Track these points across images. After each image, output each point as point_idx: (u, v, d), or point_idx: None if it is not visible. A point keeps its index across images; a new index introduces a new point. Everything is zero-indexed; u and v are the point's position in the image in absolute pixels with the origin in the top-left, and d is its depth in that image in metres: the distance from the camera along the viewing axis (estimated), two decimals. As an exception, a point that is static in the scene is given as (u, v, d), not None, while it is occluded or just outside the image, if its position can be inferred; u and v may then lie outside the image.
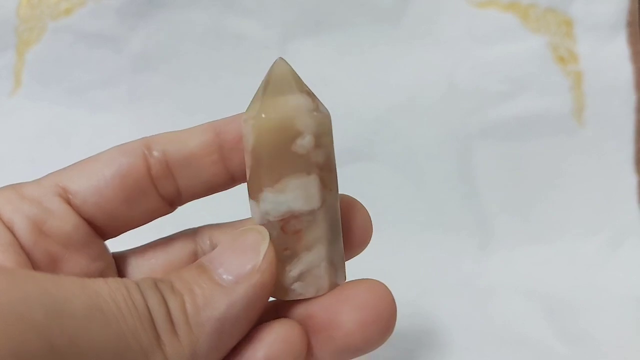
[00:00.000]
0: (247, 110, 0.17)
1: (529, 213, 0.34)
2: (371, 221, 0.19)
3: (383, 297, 0.17)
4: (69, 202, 0.18)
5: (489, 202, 0.34)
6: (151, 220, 0.19)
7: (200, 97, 0.35)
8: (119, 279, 0.14)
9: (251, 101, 0.17)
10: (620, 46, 0.33)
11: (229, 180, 0.19)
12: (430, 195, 0.34)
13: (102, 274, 0.18)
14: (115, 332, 0.13)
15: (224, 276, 0.15)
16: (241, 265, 0.15)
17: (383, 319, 0.17)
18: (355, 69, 0.35)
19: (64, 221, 0.18)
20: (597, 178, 0.34)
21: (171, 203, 0.19)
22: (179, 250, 0.20)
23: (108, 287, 0.14)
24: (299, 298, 0.17)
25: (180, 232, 0.21)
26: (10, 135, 0.35)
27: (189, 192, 0.19)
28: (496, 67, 0.34)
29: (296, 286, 0.17)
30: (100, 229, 0.19)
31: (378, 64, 0.35)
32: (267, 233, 0.16)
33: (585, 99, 0.34)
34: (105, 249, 0.19)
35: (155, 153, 0.18)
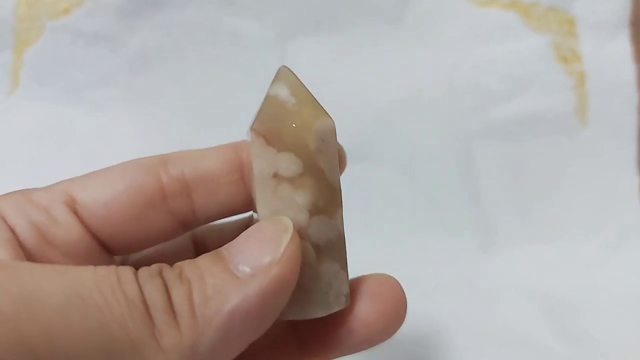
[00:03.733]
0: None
1: (530, 213, 0.34)
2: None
3: (394, 287, 0.17)
4: (75, 212, 0.17)
5: (490, 202, 0.34)
6: (163, 241, 0.19)
7: (198, 97, 0.35)
8: (111, 267, 0.13)
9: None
10: (623, 45, 0.33)
11: (247, 202, 0.18)
12: (431, 195, 0.34)
13: None
14: (98, 322, 0.12)
15: (240, 267, 0.14)
16: (260, 257, 0.14)
17: (397, 307, 0.17)
18: (355, 68, 0.35)
19: (68, 231, 0.17)
20: (598, 178, 0.34)
21: (185, 224, 0.18)
22: (177, 246, 0.19)
23: (94, 275, 0.13)
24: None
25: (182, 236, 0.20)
26: (8, 135, 0.35)
27: (205, 212, 0.18)
28: (497, 66, 0.34)
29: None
30: (107, 244, 0.18)
31: (378, 64, 0.35)
32: (291, 224, 0.15)
33: (588, 99, 0.33)
34: (110, 258, 0.18)
35: (171, 170, 0.18)
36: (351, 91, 0.34)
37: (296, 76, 0.16)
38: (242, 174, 0.18)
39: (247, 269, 0.14)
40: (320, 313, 0.16)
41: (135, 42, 0.35)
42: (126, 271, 0.13)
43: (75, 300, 0.12)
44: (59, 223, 0.17)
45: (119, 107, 0.35)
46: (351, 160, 0.34)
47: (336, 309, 0.16)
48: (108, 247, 0.18)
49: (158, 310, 0.13)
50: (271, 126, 0.15)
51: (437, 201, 0.34)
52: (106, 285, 0.13)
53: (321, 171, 0.16)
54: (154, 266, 0.14)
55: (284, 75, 0.16)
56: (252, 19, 0.34)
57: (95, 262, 0.16)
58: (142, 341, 0.13)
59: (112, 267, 0.13)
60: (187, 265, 0.14)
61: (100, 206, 0.17)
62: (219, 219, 0.19)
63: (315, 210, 0.16)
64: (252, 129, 0.16)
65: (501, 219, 0.34)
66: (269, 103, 0.16)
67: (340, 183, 0.16)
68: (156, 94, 0.35)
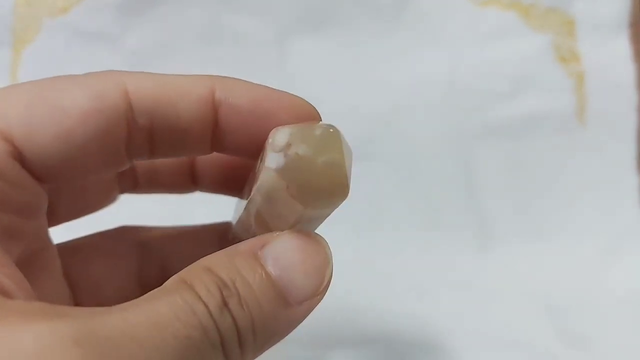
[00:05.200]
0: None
1: (530, 213, 0.34)
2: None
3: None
4: (21, 163, 0.15)
5: (490, 202, 0.34)
6: (102, 173, 0.17)
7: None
8: (178, 300, 0.13)
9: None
10: (622, 46, 0.33)
11: (207, 147, 0.17)
12: (431, 195, 0.34)
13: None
14: None
15: (293, 296, 0.14)
16: (309, 289, 0.15)
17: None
18: (355, 68, 0.34)
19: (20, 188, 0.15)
20: (598, 178, 0.34)
21: (132, 159, 0.17)
22: (209, 243, 0.20)
23: (179, 322, 0.13)
24: None
25: (211, 224, 0.20)
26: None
27: (161, 155, 0.17)
28: (497, 66, 0.34)
29: None
30: (44, 177, 0.15)
31: (378, 63, 0.35)
32: (331, 252, 0.15)
33: (587, 99, 0.33)
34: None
35: (140, 119, 0.15)
36: (351, 91, 0.34)
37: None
38: (214, 127, 0.16)
39: (297, 299, 0.15)
40: None
41: (133, 40, 0.35)
42: (198, 305, 0.13)
43: (168, 349, 0.12)
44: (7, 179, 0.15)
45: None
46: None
47: None
48: (36, 175, 0.15)
49: (232, 345, 0.14)
50: (306, 180, 0.14)
51: (437, 201, 0.34)
52: (193, 331, 0.13)
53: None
54: (214, 290, 0.14)
55: (340, 137, 0.14)
56: (252, 18, 0.34)
57: (25, 189, 0.15)
58: None
59: (179, 300, 0.13)
60: (243, 289, 0.14)
61: (55, 159, 0.15)
62: (173, 156, 0.17)
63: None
64: (283, 180, 0.14)
65: (501, 219, 0.34)
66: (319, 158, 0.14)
67: None
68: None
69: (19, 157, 0.15)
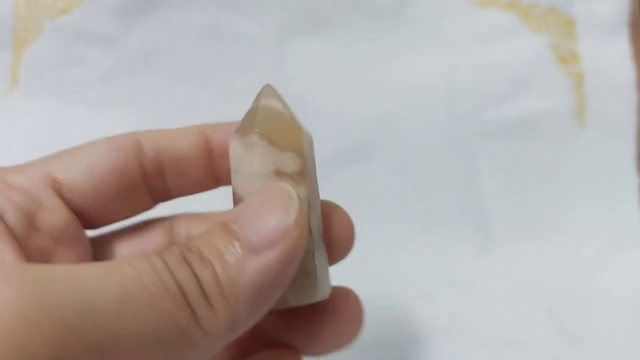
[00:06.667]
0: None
1: (530, 214, 0.34)
2: (353, 228, 0.19)
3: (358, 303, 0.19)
4: (61, 196, 0.18)
5: (490, 203, 0.34)
6: (135, 215, 0.20)
7: (197, 97, 0.35)
8: (143, 258, 0.14)
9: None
10: (622, 46, 0.33)
11: (215, 183, 0.20)
12: (430, 195, 0.34)
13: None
14: (151, 318, 0.13)
15: (255, 240, 0.14)
16: (272, 230, 0.14)
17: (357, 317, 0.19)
18: (355, 68, 0.35)
19: (56, 215, 0.17)
20: (598, 178, 0.34)
21: (156, 200, 0.20)
22: (155, 239, 0.20)
23: (135, 271, 0.13)
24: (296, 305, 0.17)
25: (154, 218, 0.21)
26: (7, 134, 0.35)
27: (176, 191, 0.20)
28: (496, 66, 0.34)
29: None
30: (88, 221, 0.19)
31: (377, 64, 0.35)
32: (294, 190, 0.16)
33: (587, 100, 0.33)
34: (87, 238, 0.19)
35: (148, 152, 0.19)
36: (351, 91, 0.34)
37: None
38: (210, 159, 0.19)
39: (262, 242, 0.14)
40: (318, 297, 0.17)
41: (134, 41, 0.35)
42: (156, 260, 0.14)
43: (129, 301, 0.13)
44: (46, 207, 0.17)
45: (119, 107, 0.35)
46: (351, 160, 0.34)
47: (327, 295, 0.18)
48: (88, 224, 0.19)
49: (194, 296, 0.14)
50: (273, 129, 0.17)
51: (436, 201, 0.34)
52: (148, 280, 0.13)
53: (311, 170, 0.17)
54: (175, 251, 0.14)
55: (273, 91, 0.18)
56: (252, 19, 0.34)
57: (78, 243, 0.18)
58: (189, 328, 0.13)
59: (143, 258, 0.14)
60: (203, 246, 0.14)
61: (86, 189, 0.18)
62: (189, 195, 0.20)
63: (309, 205, 0.17)
64: (255, 131, 0.17)
65: (501, 220, 0.34)
66: (264, 111, 0.17)
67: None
68: (155, 94, 0.35)
69: (59, 190, 0.18)
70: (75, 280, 0.13)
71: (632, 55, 0.33)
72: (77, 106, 0.35)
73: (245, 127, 0.17)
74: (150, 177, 0.19)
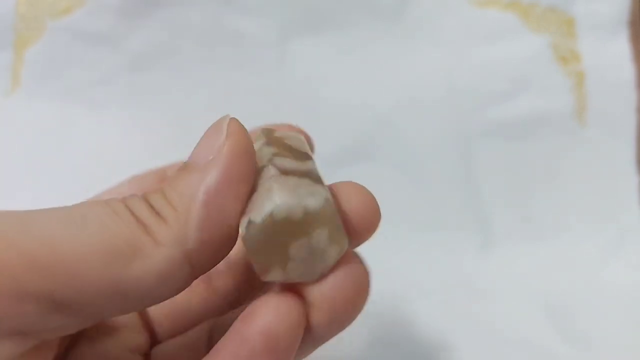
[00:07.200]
0: None
1: (530, 213, 0.34)
2: (377, 206, 0.17)
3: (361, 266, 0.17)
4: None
5: (490, 202, 0.34)
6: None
7: (199, 96, 0.35)
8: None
9: None
10: (622, 46, 0.33)
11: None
12: (431, 195, 0.34)
13: None
14: (96, 230, 0.13)
15: (194, 159, 0.15)
16: (210, 147, 0.15)
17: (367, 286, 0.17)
18: (355, 68, 0.35)
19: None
20: (598, 178, 0.34)
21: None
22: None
23: (87, 202, 0.14)
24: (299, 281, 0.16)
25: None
26: (8, 134, 0.35)
27: None
28: (496, 66, 0.34)
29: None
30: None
31: (378, 64, 0.35)
32: (227, 115, 0.16)
33: (587, 99, 0.33)
34: None
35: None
36: (351, 91, 0.34)
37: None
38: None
39: (202, 160, 0.15)
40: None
41: (136, 41, 0.35)
42: (113, 199, 0.15)
43: (74, 215, 0.13)
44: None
45: (120, 106, 0.35)
46: (351, 160, 0.34)
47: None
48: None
49: (145, 215, 0.14)
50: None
51: (437, 201, 0.34)
52: (99, 207, 0.14)
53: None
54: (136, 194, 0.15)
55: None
56: (252, 19, 0.34)
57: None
58: (139, 240, 0.14)
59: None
60: (162, 182, 0.15)
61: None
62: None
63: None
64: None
65: (501, 219, 0.34)
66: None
67: None
68: (157, 94, 0.35)
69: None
70: (24, 213, 0.13)
71: (633, 55, 0.33)
72: (78, 106, 0.35)
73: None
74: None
